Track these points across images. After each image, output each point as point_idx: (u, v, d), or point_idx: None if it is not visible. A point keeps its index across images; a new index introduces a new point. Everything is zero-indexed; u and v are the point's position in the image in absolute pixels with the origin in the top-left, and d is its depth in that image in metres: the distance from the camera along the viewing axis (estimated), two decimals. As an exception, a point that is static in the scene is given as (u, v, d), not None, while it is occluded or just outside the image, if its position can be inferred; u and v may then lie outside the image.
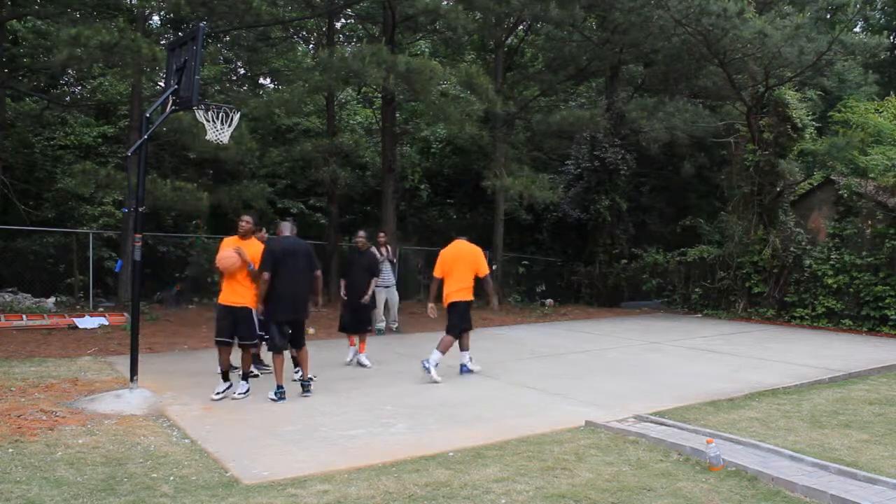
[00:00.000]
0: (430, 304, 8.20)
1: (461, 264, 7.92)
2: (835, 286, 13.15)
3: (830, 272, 13.25)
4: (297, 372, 6.93)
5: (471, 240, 8.23)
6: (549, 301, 17.76)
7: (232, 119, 6.88)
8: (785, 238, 14.32)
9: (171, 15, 15.55)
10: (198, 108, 6.66)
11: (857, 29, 25.04)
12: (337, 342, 9.90)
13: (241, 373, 6.77)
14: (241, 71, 19.59)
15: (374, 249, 9.30)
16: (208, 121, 6.75)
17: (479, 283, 8.11)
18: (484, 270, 8.03)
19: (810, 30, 13.73)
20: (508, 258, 18.87)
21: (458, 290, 7.88)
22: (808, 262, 13.71)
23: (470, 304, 7.99)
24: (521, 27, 19.13)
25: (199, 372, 7.89)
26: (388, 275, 11.47)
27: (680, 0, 13.24)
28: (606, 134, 17.99)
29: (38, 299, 13.31)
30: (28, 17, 14.88)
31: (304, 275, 6.65)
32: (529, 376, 7.90)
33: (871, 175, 14.32)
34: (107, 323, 11.48)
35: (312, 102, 18.55)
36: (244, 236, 6.80)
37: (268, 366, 7.40)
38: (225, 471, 4.46)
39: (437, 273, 8.05)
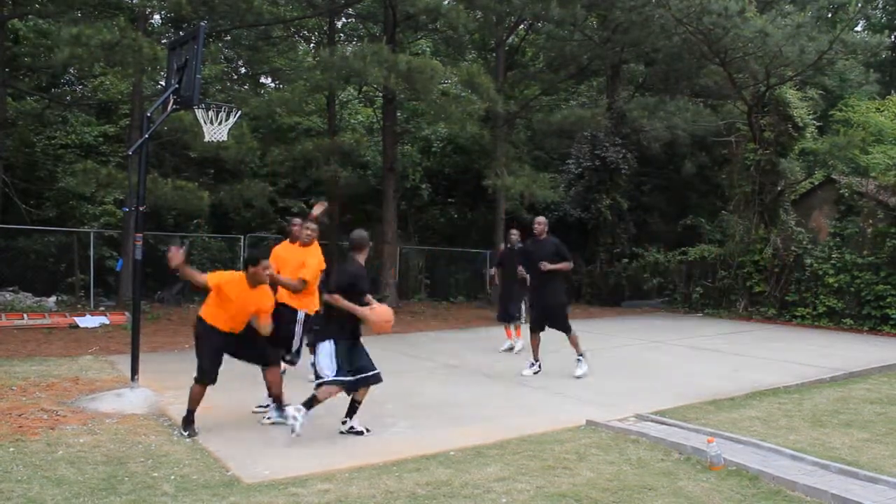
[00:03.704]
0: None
1: None
2: (836, 285, 13.14)
3: (831, 271, 13.24)
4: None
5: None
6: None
7: (230, 116, 6.85)
8: (786, 237, 14.31)
9: (172, 14, 15.53)
10: (198, 108, 6.65)
11: (858, 28, 25.05)
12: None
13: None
14: (242, 70, 19.59)
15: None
16: (208, 121, 6.74)
17: None
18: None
19: (811, 29, 13.72)
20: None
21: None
22: (809, 261, 13.70)
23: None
24: (522, 26, 19.12)
25: (200, 371, 7.88)
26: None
27: (681, -1, 13.25)
28: (607, 133, 17.99)
29: (39, 298, 13.31)
30: (29, 17, 14.88)
31: None
32: (530, 375, 7.90)
33: (873, 174, 14.34)
34: (108, 322, 11.49)
35: (313, 102, 18.54)
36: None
37: None
38: (226, 470, 4.46)
39: None
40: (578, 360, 7.84)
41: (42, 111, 16.38)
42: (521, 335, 9.89)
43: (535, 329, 7.96)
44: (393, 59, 12.07)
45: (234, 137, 12.13)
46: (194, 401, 5.22)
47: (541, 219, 8.04)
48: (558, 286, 7.78)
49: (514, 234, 10.31)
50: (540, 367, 8.02)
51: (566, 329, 7.75)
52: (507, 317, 9.95)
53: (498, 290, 10.99)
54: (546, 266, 7.55)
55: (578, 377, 7.67)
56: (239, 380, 7.40)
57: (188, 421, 5.22)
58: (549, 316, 7.81)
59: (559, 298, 7.80)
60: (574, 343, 7.83)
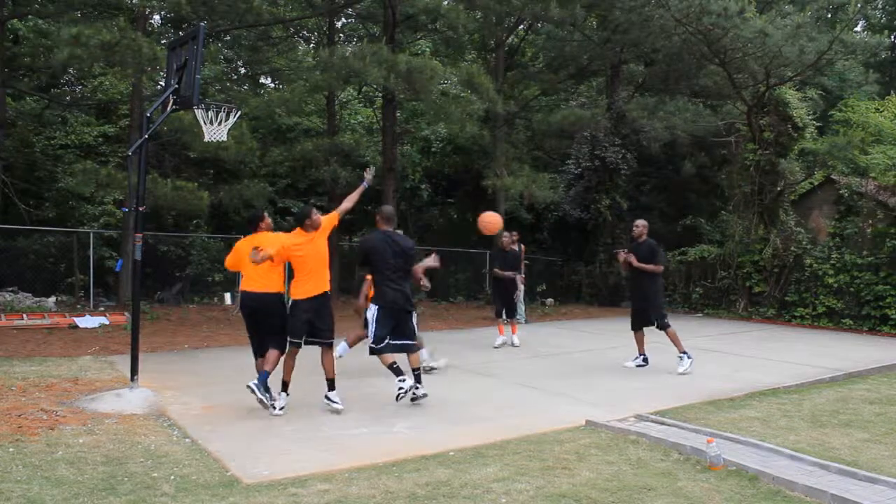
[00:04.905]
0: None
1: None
2: (835, 285, 13.15)
3: (831, 271, 13.24)
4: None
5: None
6: (549, 300, 17.77)
7: (230, 116, 6.85)
8: (786, 237, 14.31)
9: (172, 14, 15.54)
10: (198, 108, 6.65)
11: (857, 28, 25.07)
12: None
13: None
14: (242, 70, 19.59)
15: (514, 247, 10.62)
16: (207, 122, 6.73)
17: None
18: None
19: (811, 29, 13.72)
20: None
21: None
22: (808, 261, 13.71)
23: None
24: (522, 26, 19.13)
25: (200, 371, 7.89)
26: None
27: (680, -1, 13.25)
28: (607, 133, 17.98)
29: (38, 299, 13.31)
30: (29, 17, 14.88)
31: None
32: (530, 376, 7.91)
33: (872, 174, 14.33)
34: (107, 322, 11.48)
35: (313, 102, 18.54)
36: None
37: None
38: (226, 470, 4.46)
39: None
40: (680, 357, 8.09)
41: (42, 111, 16.38)
42: (516, 332, 10.31)
43: (634, 327, 8.40)
44: (393, 59, 12.07)
45: (234, 137, 12.13)
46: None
47: (639, 222, 8.56)
48: (647, 284, 8.16)
49: (506, 235, 10.58)
50: (645, 360, 8.41)
51: (659, 323, 8.07)
52: (501, 313, 10.28)
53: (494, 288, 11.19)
54: (635, 263, 8.07)
55: (681, 374, 7.91)
56: (239, 379, 7.41)
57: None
58: (644, 310, 8.22)
59: (648, 296, 8.19)
60: (673, 339, 8.09)
